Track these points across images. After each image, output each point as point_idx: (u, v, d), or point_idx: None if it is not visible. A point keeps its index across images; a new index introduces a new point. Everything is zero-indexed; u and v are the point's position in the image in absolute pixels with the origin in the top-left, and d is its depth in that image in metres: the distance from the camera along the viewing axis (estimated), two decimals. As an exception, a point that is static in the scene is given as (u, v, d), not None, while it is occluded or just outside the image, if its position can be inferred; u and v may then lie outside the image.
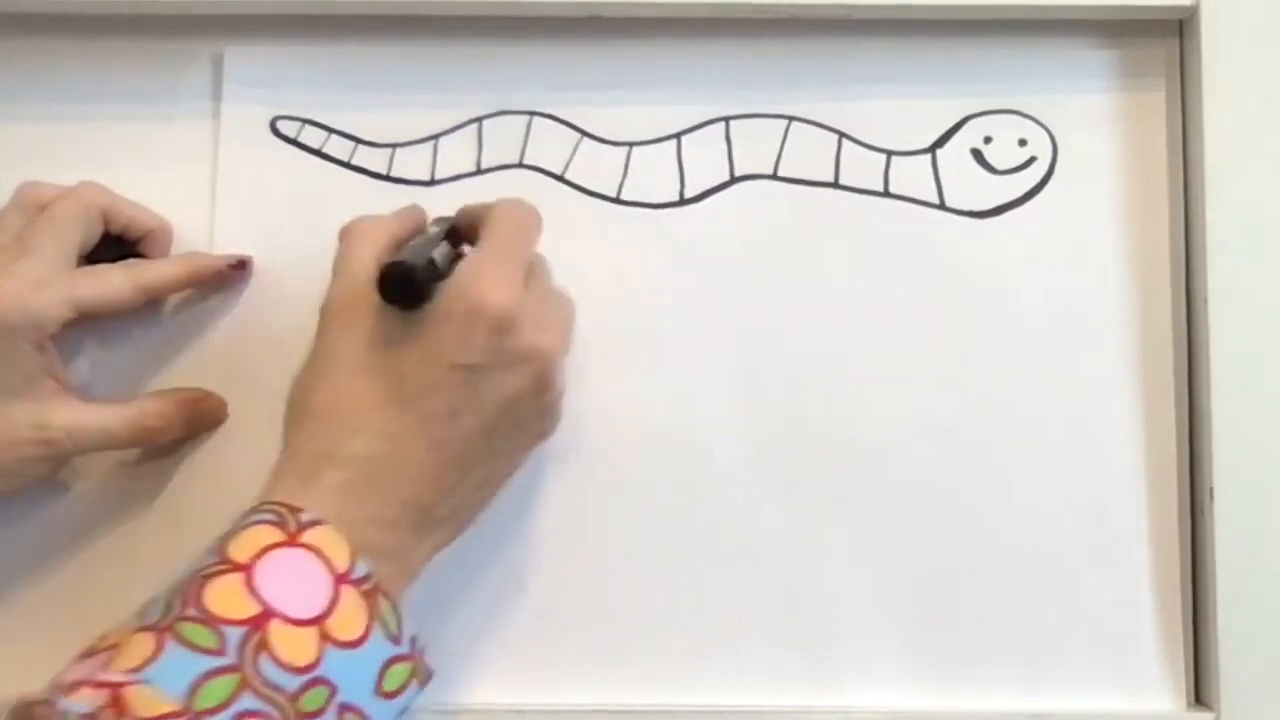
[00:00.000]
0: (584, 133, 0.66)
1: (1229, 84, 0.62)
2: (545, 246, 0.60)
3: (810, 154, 0.65)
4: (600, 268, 0.64)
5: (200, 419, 0.63)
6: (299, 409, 0.54)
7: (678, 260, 0.64)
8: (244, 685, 0.46)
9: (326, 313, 0.55)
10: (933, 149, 0.65)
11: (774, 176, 0.65)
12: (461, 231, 0.59)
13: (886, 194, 0.65)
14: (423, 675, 0.52)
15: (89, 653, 0.47)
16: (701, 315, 0.64)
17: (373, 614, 0.50)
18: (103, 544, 0.63)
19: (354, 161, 0.66)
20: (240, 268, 0.64)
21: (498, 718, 0.61)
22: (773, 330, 0.64)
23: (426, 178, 0.65)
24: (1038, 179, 0.65)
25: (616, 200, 0.65)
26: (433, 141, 0.66)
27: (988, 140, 0.65)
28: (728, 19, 0.65)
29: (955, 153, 0.65)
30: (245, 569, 0.48)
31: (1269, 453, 0.60)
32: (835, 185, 0.65)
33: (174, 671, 0.46)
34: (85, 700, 0.44)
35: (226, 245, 0.64)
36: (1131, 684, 0.62)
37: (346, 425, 0.53)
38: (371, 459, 0.52)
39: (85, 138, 0.65)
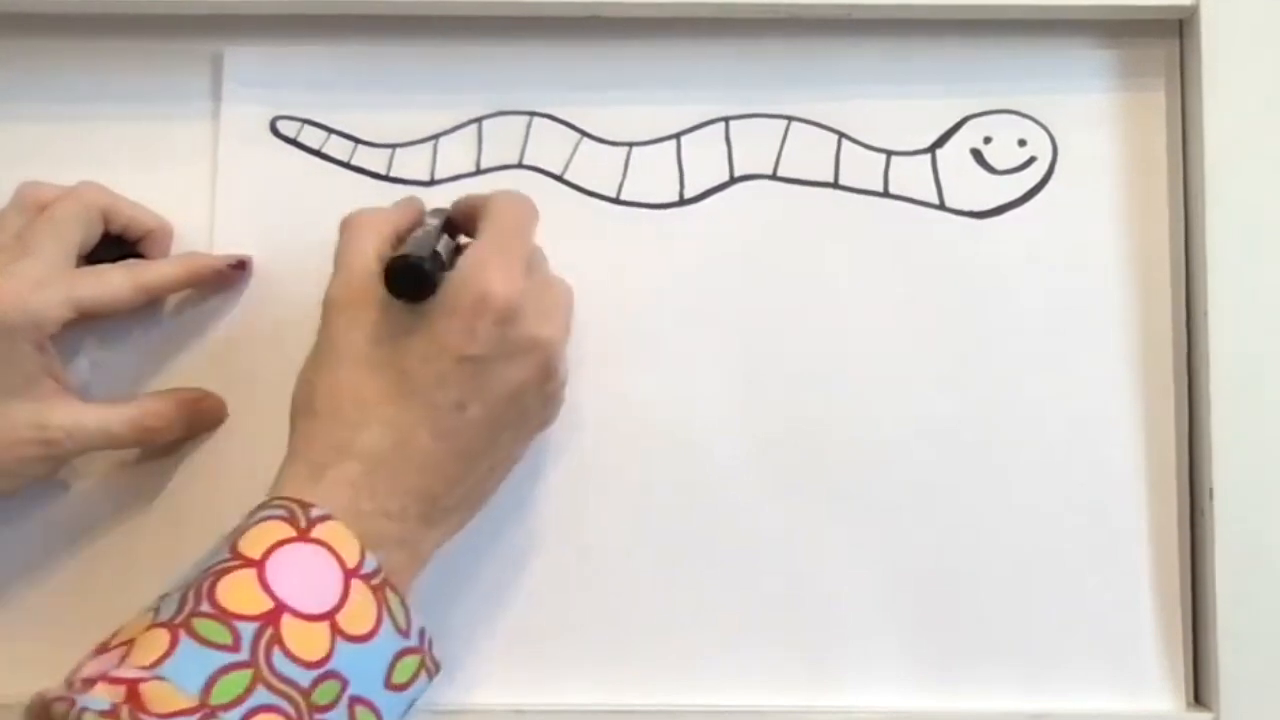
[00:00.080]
0: (584, 133, 0.66)
1: (1229, 84, 0.62)
2: (545, 247, 0.60)
3: (810, 154, 0.65)
4: (600, 268, 0.64)
5: (200, 419, 0.63)
6: (305, 404, 0.55)
7: (677, 260, 0.64)
8: (258, 680, 0.46)
9: (329, 306, 0.55)
10: (932, 149, 0.65)
11: (774, 177, 0.65)
12: (458, 222, 0.59)
13: (886, 194, 0.65)
14: (431, 667, 0.53)
15: (102, 648, 0.48)
16: (701, 315, 0.64)
17: (382, 608, 0.50)
18: (103, 544, 0.63)
19: (354, 161, 0.66)
20: (240, 268, 0.64)
21: (498, 718, 0.61)
22: (773, 330, 0.64)
23: (426, 178, 0.65)
24: (1037, 179, 0.65)
25: (616, 200, 0.65)
26: (432, 142, 0.66)
27: (987, 140, 0.65)
28: (727, 19, 0.65)
29: (955, 153, 0.65)
30: (257, 565, 0.49)
31: (1268, 453, 0.60)
32: (835, 185, 0.65)
33: (189, 667, 0.46)
34: (103, 696, 0.44)
35: (226, 245, 0.64)
36: (1131, 684, 0.62)
37: (354, 419, 0.53)
38: (379, 451, 0.53)
39: (85, 138, 0.65)
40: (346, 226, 0.57)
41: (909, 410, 0.63)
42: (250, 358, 0.64)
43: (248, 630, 0.47)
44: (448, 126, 0.66)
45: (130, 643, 0.47)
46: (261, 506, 0.52)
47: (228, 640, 0.47)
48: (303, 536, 0.50)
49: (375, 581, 0.50)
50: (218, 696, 0.46)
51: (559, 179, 0.65)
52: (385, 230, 0.57)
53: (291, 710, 0.47)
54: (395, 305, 0.54)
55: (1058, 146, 0.65)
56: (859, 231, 0.64)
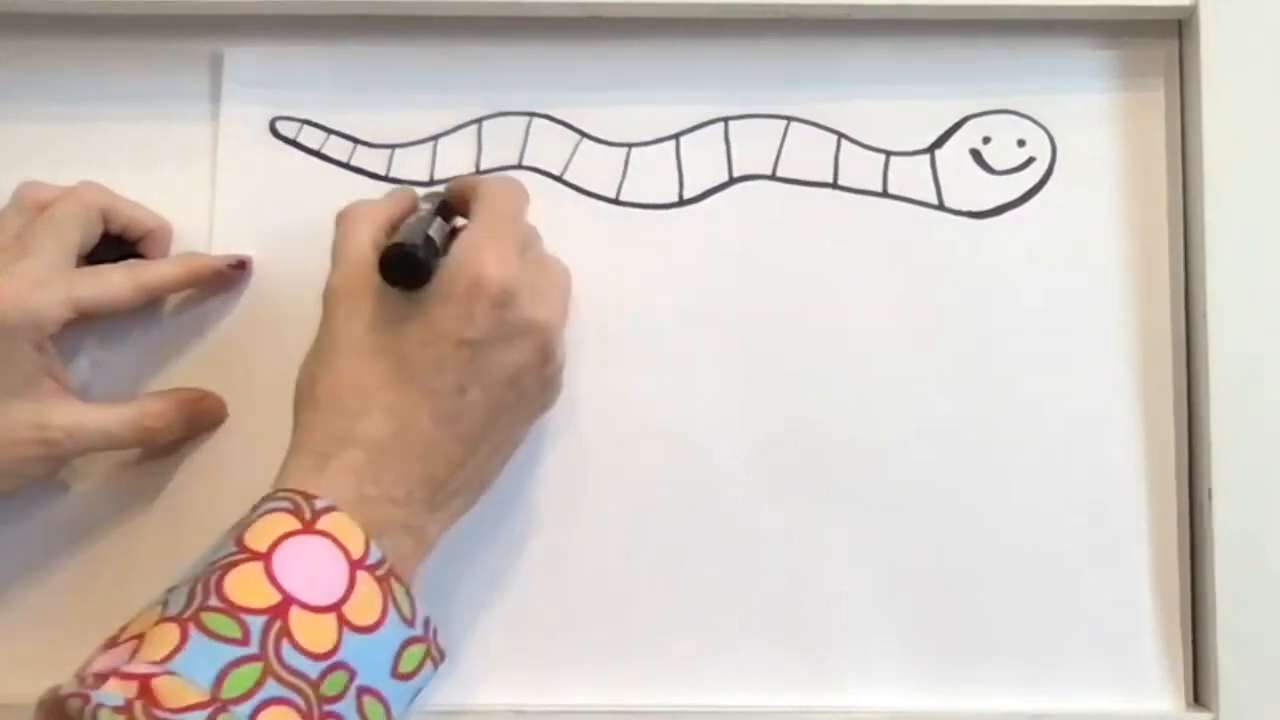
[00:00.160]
0: (583, 133, 0.66)
1: (1228, 84, 0.62)
2: (545, 247, 0.60)
3: (809, 154, 0.65)
4: (599, 268, 0.64)
5: (200, 419, 0.63)
6: (306, 396, 0.55)
7: (677, 261, 0.64)
8: (268, 673, 0.47)
9: (328, 297, 0.56)
10: (931, 149, 0.65)
11: (773, 177, 0.65)
12: (453, 206, 0.59)
13: (885, 194, 0.65)
14: (436, 656, 0.53)
15: (111, 642, 0.48)
16: (701, 315, 0.64)
17: (387, 598, 0.51)
18: (103, 544, 0.63)
19: (353, 162, 0.66)
20: (240, 268, 0.64)
21: (498, 718, 0.61)
22: (772, 330, 0.64)
23: (426, 178, 0.65)
24: (1036, 179, 0.65)
25: (615, 201, 0.65)
26: (432, 142, 0.66)
27: (986, 140, 0.65)
28: (727, 19, 0.65)
29: (954, 153, 0.65)
30: (264, 558, 0.49)
31: (1268, 453, 0.60)
32: (834, 186, 0.65)
33: (200, 662, 0.46)
34: (115, 692, 0.45)
35: (226, 245, 0.64)
36: (1131, 684, 0.62)
37: (355, 407, 0.53)
38: (381, 438, 0.53)
39: (85, 138, 0.65)
40: (342, 219, 0.57)
41: (909, 410, 0.63)
42: (250, 358, 0.64)
43: (256, 623, 0.47)
44: (447, 127, 0.66)
45: (140, 637, 0.47)
46: (266, 499, 0.52)
47: (237, 634, 0.47)
48: (308, 529, 0.50)
49: (380, 572, 0.51)
50: (229, 690, 0.46)
51: (558, 179, 0.65)
52: (380, 220, 0.57)
53: (301, 702, 0.47)
54: (392, 293, 0.54)
55: (1057, 147, 0.65)
56: (858, 232, 0.64)
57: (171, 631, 0.47)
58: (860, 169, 0.65)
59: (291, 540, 0.50)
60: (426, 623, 0.53)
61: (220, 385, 0.63)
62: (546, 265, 0.59)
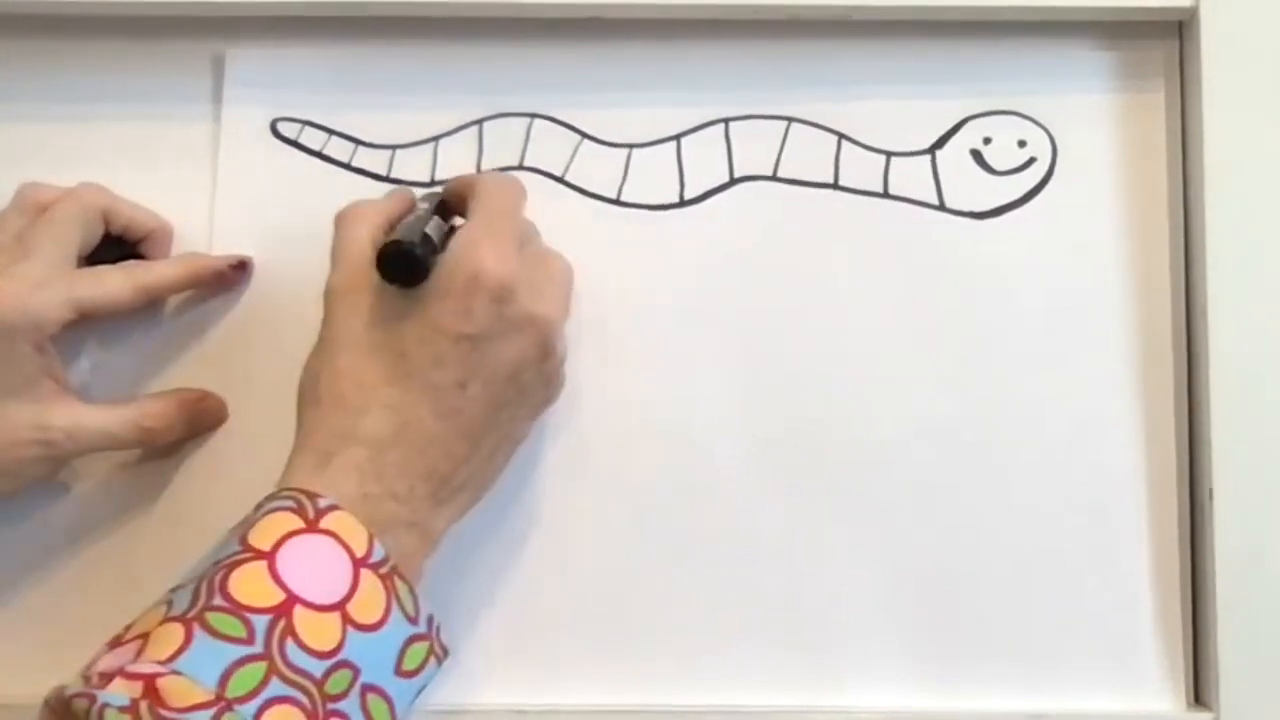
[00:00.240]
0: (584, 134, 0.66)
1: (1228, 85, 0.62)
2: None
3: (810, 155, 0.65)
4: (600, 269, 0.64)
5: (200, 419, 0.63)
6: (309, 395, 0.55)
7: (678, 261, 0.65)
8: (272, 672, 0.47)
9: (329, 298, 0.56)
10: (932, 150, 0.65)
11: (774, 178, 0.65)
12: (451, 204, 0.59)
13: (886, 195, 0.65)
14: (440, 653, 0.53)
15: (116, 642, 0.48)
16: (701, 316, 0.64)
17: (390, 596, 0.51)
18: (103, 544, 0.63)
19: (354, 163, 0.66)
20: (240, 269, 0.64)
21: (498, 718, 0.61)
22: (773, 330, 0.64)
23: (427, 179, 0.65)
24: (1037, 180, 0.65)
25: (616, 202, 0.65)
26: (433, 143, 0.66)
27: (987, 141, 0.65)
28: (728, 20, 0.65)
29: (955, 153, 0.65)
30: (268, 556, 0.49)
31: (1268, 453, 0.60)
32: (835, 186, 0.65)
33: (205, 661, 0.46)
34: (121, 692, 0.45)
35: (226, 246, 0.65)
36: (1131, 684, 0.61)
37: (356, 404, 0.54)
38: (383, 435, 0.53)
39: (85, 138, 0.65)
40: (341, 219, 0.58)
41: (909, 410, 0.63)
42: (250, 358, 0.64)
43: (261, 622, 0.47)
44: (448, 128, 0.66)
45: (145, 637, 0.47)
46: (270, 498, 0.52)
47: (241, 633, 0.47)
48: (311, 527, 0.50)
49: (384, 570, 0.51)
50: (234, 689, 0.46)
51: (559, 180, 0.65)
52: (378, 220, 0.57)
53: (306, 700, 0.47)
54: (391, 290, 0.54)
55: (1057, 147, 0.65)
56: (859, 232, 0.64)
57: (176, 631, 0.47)
58: (861, 169, 0.65)
59: (295, 539, 0.50)
60: (430, 620, 0.53)
61: (220, 385, 0.63)
62: (546, 260, 0.59)
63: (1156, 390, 0.63)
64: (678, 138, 0.66)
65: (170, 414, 0.61)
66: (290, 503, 0.51)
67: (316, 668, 0.48)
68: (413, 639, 0.51)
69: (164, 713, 0.44)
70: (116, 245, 0.63)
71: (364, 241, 0.56)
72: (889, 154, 0.65)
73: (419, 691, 0.53)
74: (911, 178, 0.65)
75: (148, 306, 0.63)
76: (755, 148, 0.65)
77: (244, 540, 0.50)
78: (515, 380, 0.55)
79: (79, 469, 0.63)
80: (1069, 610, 0.62)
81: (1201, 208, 0.62)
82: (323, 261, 0.57)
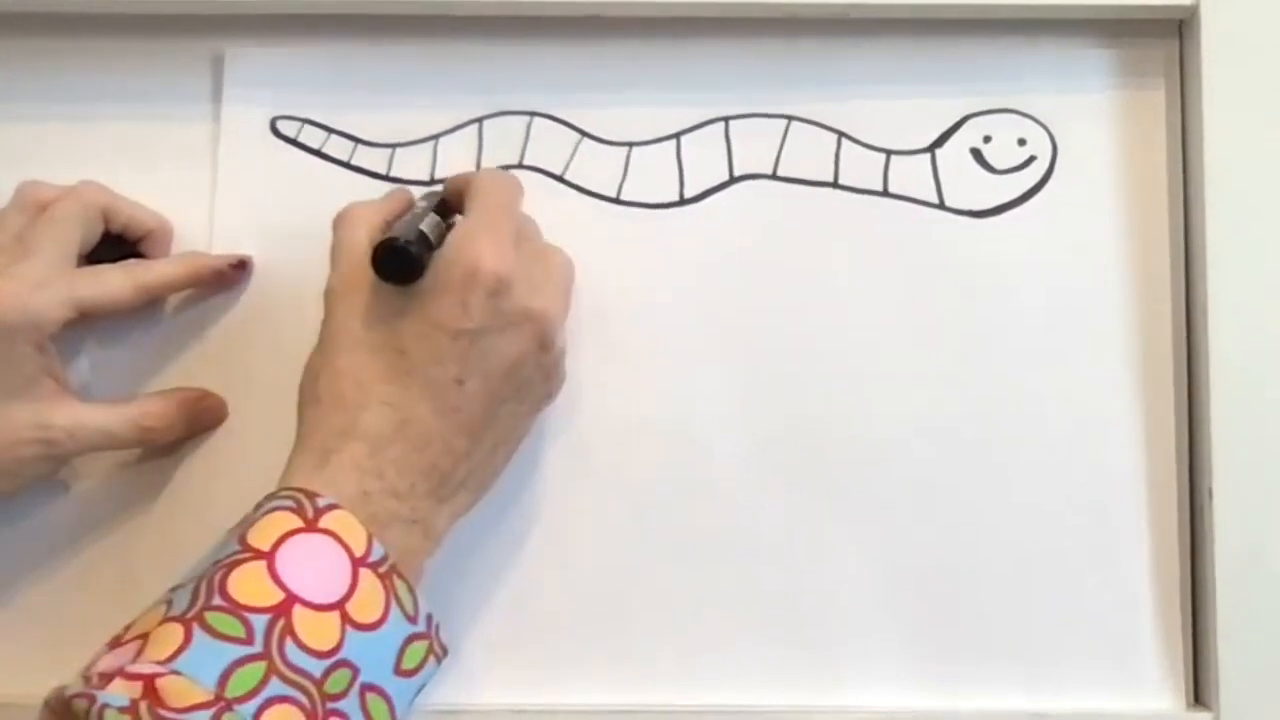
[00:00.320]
0: (584, 133, 0.66)
1: (1229, 84, 0.62)
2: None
3: (809, 154, 0.65)
4: (600, 267, 0.64)
5: (200, 419, 0.63)
6: (309, 394, 0.55)
7: (677, 260, 0.64)
8: (272, 671, 0.47)
9: (328, 299, 0.56)
10: (932, 148, 0.65)
11: (773, 176, 0.65)
12: (450, 203, 0.59)
13: (886, 194, 0.65)
14: (439, 652, 0.53)
15: (116, 642, 0.48)
16: (701, 315, 0.64)
17: (390, 595, 0.51)
18: (103, 544, 0.63)
19: (354, 162, 0.66)
20: (240, 268, 0.64)
21: (498, 717, 0.61)
22: (772, 329, 0.64)
23: (426, 178, 0.65)
24: (1037, 178, 0.65)
25: (616, 200, 0.65)
26: (433, 142, 0.66)
27: (987, 140, 0.65)
28: (727, 19, 0.65)
29: (954, 152, 0.65)
30: (267, 556, 0.49)
31: (1268, 453, 0.60)
32: (834, 185, 0.65)
33: (204, 661, 0.46)
34: (121, 692, 0.45)
35: (226, 245, 0.65)
36: (1131, 684, 0.62)
37: (354, 402, 0.54)
38: (382, 432, 0.53)
39: (85, 137, 0.65)
40: (339, 221, 0.58)
41: (909, 409, 0.63)
42: (250, 358, 0.64)
43: (260, 622, 0.47)
44: (448, 126, 0.66)
45: (145, 637, 0.47)
46: (270, 497, 0.52)
47: (241, 633, 0.47)
48: (310, 527, 0.50)
49: (383, 569, 0.51)
50: (233, 689, 0.46)
51: (559, 179, 0.65)
52: (375, 220, 0.57)
53: (305, 700, 0.47)
54: (389, 288, 0.54)
55: (1057, 146, 0.65)
56: (859, 231, 0.64)
57: (176, 631, 0.47)
58: (861, 168, 0.65)
59: (294, 539, 0.50)
60: (429, 619, 0.53)
61: (220, 385, 0.63)
62: (545, 255, 0.59)
63: (1156, 390, 0.63)
64: (677, 136, 0.66)
65: (170, 413, 0.61)
66: (289, 502, 0.51)
67: (316, 667, 0.48)
68: (412, 638, 0.52)
69: (163, 713, 0.44)
70: (116, 244, 0.63)
71: (362, 241, 0.56)
72: (889, 152, 0.65)
73: (418, 690, 0.53)
74: (911, 176, 0.65)
75: (148, 306, 0.63)
76: (755, 146, 0.65)
77: (243, 540, 0.50)
78: (514, 375, 0.55)
79: (79, 469, 0.63)
80: (1069, 610, 0.62)
81: (1201, 206, 0.62)
82: (323, 261, 0.57)
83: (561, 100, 0.66)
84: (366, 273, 0.54)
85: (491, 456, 0.57)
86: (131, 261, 0.62)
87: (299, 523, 0.50)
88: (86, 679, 0.46)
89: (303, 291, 0.61)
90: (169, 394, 0.62)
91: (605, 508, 0.63)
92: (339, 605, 0.49)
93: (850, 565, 0.62)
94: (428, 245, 0.55)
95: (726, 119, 0.66)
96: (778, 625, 0.62)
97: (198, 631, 0.47)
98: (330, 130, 0.66)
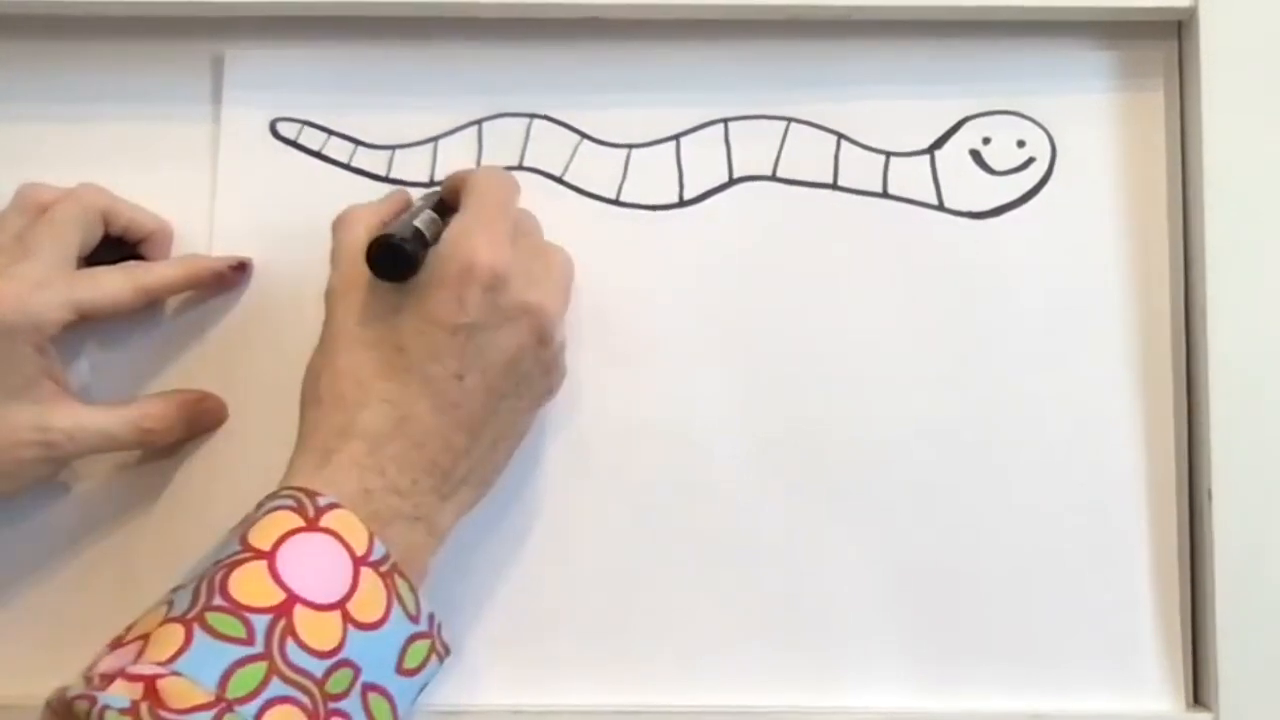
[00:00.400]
0: (583, 135, 0.66)
1: (1228, 85, 0.62)
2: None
3: (809, 155, 0.65)
4: (600, 269, 0.64)
5: (200, 420, 0.63)
6: (310, 394, 0.55)
7: (677, 261, 0.65)
8: (273, 672, 0.47)
9: (328, 299, 0.56)
10: (931, 150, 0.65)
11: (773, 178, 0.65)
12: (448, 201, 0.59)
13: (885, 195, 0.65)
14: (441, 651, 0.53)
15: (117, 643, 0.48)
16: (701, 316, 0.64)
17: (391, 594, 0.51)
18: (103, 545, 0.63)
19: (354, 163, 0.66)
20: (240, 269, 0.64)
21: (497, 718, 0.61)
22: (772, 330, 0.64)
23: (426, 179, 0.65)
24: (1036, 180, 0.65)
25: (616, 202, 0.65)
26: (432, 144, 0.66)
27: (986, 141, 0.65)
28: (727, 20, 0.65)
29: (954, 153, 0.65)
30: (268, 556, 0.49)
31: (1267, 453, 0.60)
32: (834, 186, 0.65)
33: (205, 662, 0.46)
34: (122, 693, 0.45)
35: (226, 247, 0.65)
36: (1131, 684, 0.61)
37: (354, 401, 0.54)
38: (382, 429, 0.53)
39: (85, 138, 0.65)
40: (337, 223, 0.58)
41: (909, 410, 0.63)
42: (250, 359, 0.64)
43: (261, 622, 0.47)
44: (448, 128, 0.66)
45: (146, 638, 0.47)
46: (271, 497, 0.52)
47: (241, 633, 0.47)
48: (311, 526, 0.50)
49: (384, 569, 0.51)
50: (234, 690, 0.46)
51: (559, 180, 0.65)
52: (374, 221, 0.58)
53: (307, 700, 0.47)
54: (386, 286, 0.54)
55: (1056, 147, 0.65)
56: (858, 232, 0.64)
57: (176, 632, 0.47)
58: (860, 169, 0.65)
59: (295, 538, 0.50)
60: (431, 618, 0.53)
61: (220, 385, 0.63)
62: (543, 251, 0.59)
63: (1156, 390, 0.63)
64: (677, 138, 0.66)
65: (170, 415, 0.61)
66: (290, 501, 0.51)
67: (317, 667, 0.48)
68: (414, 637, 0.52)
69: (164, 714, 0.44)
70: (116, 246, 0.63)
71: (360, 242, 0.56)
72: (888, 154, 0.65)
73: (420, 690, 0.53)
74: (911, 178, 0.65)
75: (147, 308, 0.63)
76: (754, 148, 0.65)
77: (244, 540, 0.50)
78: (513, 370, 0.55)
79: (79, 469, 0.63)
80: (1069, 610, 0.62)
81: (1201, 208, 0.62)
82: (322, 261, 0.57)
83: (561, 102, 0.66)
84: (364, 272, 0.55)
85: (492, 452, 0.57)
86: (131, 263, 0.62)
87: (300, 522, 0.50)
88: (88, 680, 0.46)
89: (302, 293, 0.61)
90: (169, 395, 0.62)
91: (605, 508, 0.63)
92: (340, 605, 0.49)
93: (850, 566, 0.62)
94: (423, 242, 0.55)
95: (726, 120, 0.66)
96: (778, 626, 0.62)
97: (198, 632, 0.47)
98: (330, 132, 0.66)
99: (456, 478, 0.55)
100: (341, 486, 0.52)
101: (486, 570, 0.62)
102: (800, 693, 0.61)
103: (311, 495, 0.51)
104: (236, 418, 0.63)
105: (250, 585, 0.48)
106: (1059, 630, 0.62)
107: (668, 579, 0.62)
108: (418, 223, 0.55)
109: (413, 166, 0.66)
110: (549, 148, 0.66)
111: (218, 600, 0.48)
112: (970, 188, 0.65)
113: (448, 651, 0.54)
